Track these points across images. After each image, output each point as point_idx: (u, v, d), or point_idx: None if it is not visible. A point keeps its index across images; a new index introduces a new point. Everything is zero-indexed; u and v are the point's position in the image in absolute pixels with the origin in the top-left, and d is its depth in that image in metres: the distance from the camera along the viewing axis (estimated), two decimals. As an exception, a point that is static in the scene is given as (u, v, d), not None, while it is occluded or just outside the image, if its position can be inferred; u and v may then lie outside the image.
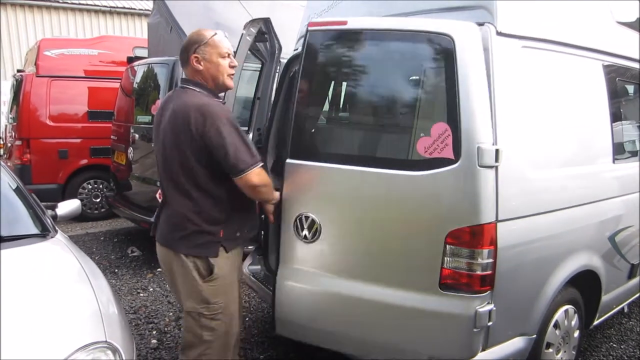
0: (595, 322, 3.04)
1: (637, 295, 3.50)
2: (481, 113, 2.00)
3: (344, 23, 2.16)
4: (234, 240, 2.17)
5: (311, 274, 2.35)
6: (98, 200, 6.47)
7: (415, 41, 2.12)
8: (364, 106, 2.38)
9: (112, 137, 5.63)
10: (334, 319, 2.35)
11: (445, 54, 2.00)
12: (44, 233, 2.63)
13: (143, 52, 6.02)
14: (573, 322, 2.77)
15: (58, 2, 11.69)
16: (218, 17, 4.92)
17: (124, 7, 12.65)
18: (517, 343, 2.40)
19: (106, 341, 1.88)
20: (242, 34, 2.93)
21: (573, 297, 2.72)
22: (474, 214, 2.04)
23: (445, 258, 2.05)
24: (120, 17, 12.63)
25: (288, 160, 2.25)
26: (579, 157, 2.67)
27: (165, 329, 3.50)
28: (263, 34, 2.97)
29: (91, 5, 12.17)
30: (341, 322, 2.33)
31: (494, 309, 2.13)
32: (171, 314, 3.74)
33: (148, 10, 12.79)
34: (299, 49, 2.83)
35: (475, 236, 2.05)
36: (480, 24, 2.12)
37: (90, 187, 6.49)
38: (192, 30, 4.25)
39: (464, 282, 2.07)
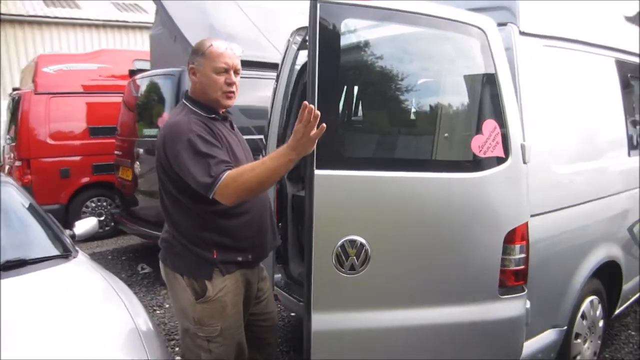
0: (617, 311, 3.09)
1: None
2: (516, 110, 2.03)
3: None
4: (236, 263, 1.99)
5: (362, 317, 1.93)
6: (102, 218, 6.39)
7: (448, 30, 1.99)
8: (401, 103, 2.17)
9: (116, 152, 5.58)
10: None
11: (482, 47, 1.97)
12: (66, 254, 2.60)
13: (144, 65, 5.99)
14: (598, 312, 2.82)
15: (49, 17, 11.61)
16: (220, 24, 4.92)
17: (117, 20, 12.56)
18: (550, 335, 2.45)
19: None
20: (289, 41, 2.86)
21: (597, 287, 2.78)
22: (526, 211, 2.07)
23: (504, 260, 2.03)
24: (114, 31, 12.54)
25: (317, 172, 1.76)
26: (598, 151, 2.74)
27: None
28: (305, 41, 2.83)
29: (84, 19, 12.07)
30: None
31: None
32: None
33: (142, 22, 12.74)
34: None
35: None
36: (503, 24, 2.17)
37: (93, 205, 6.41)
38: (196, 39, 4.18)
39: (508, 279, 2.07)
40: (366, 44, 1.98)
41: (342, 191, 1.85)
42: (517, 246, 2.09)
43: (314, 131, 1.67)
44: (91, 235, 3.14)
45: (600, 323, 2.87)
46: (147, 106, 5.14)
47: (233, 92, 1.97)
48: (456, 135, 2.12)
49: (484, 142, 1.97)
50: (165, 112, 4.66)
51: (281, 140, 2.95)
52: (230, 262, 1.98)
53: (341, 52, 1.85)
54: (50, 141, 6.13)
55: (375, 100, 2.10)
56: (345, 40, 1.86)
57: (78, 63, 6.51)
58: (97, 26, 12.35)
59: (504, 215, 2.04)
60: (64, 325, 1.96)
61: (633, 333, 3.47)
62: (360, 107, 2.52)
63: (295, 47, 2.81)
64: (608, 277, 2.84)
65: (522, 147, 2.03)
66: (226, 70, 1.93)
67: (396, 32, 1.99)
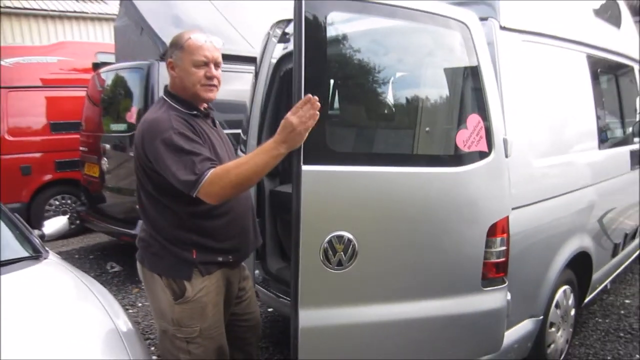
0: (587, 300, 3.20)
1: (617, 272, 3.72)
2: (498, 104, 2.06)
3: None
4: (216, 264, 1.94)
5: (349, 312, 1.92)
6: (67, 216, 6.15)
7: (433, 24, 1.98)
8: (388, 97, 2.17)
9: (81, 148, 5.37)
10: (379, 357, 2.02)
11: (466, 42, 1.97)
12: (37, 255, 2.49)
13: (106, 58, 5.79)
14: (570, 301, 2.91)
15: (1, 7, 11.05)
16: (188, 17, 4.81)
17: (74, 11, 11.99)
18: (527, 325, 2.52)
19: (132, 362, 1.82)
20: (268, 34, 2.79)
21: (570, 277, 2.86)
22: (507, 204, 2.10)
23: (485, 252, 2.05)
24: (71, 22, 12.01)
25: (304, 167, 1.72)
26: (572, 144, 2.81)
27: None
28: (285, 34, 2.80)
29: (39, 10, 11.50)
30: (389, 356, 2.03)
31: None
32: (166, 327, 3.63)
33: (102, 13, 12.29)
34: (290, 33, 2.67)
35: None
36: (484, 19, 2.19)
37: (57, 203, 6.16)
38: (164, 31, 4.01)
39: (490, 271, 2.10)
40: (353, 37, 1.95)
41: (329, 186, 1.81)
42: (498, 239, 2.12)
43: (312, 122, 1.66)
44: (61, 234, 3.02)
45: (572, 312, 2.96)
46: (114, 101, 4.97)
47: (214, 86, 1.90)
48: (443, 129, 2.13)
49: (469, 137, 1.99)
50: (134, 107, 4.52)
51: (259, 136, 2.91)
52: (210, 263, 1.93)
53: (327, 45, 1.82)
54: (8, 137, 5.83)
55: (361, 94, 2.08)
56: (331, 34, 1.83)
57: (36, 56, 6.19)
58: (52, 17, 11.76)
59: (487, 209, 2.07)
60: (40, 329, 1.86)
61: (600, 320, 3.60)
62: (346, 102, 2.49)
63: (275, 40, 2.75)
64: (579, 267, 2.93)
65: (505, 141, 2.06)
66: (206, 64, 1.86)
67: (381, 26, 1.98)
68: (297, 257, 1.81)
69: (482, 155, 2.02)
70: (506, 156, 2.06)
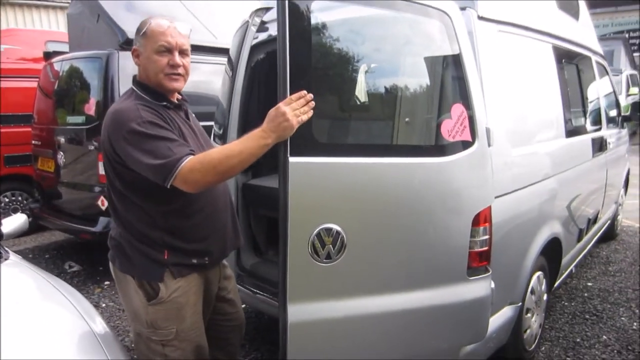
0: (556, 284, 3.30)
1: (581, 255, 3.86)
2: (480, 93, 2.06)
3: None
4: (189, 266, 1.84)
5: (338, 305, 1.88)
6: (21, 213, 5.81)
7: (417, 13, 1.95)
8: (374, 87, 2.14)
9: (34, 142, 5.05)
10: (368, 349, 2.00)
11: (448, 32, 1.96)
12: (-4, 256, 2.32)
13: (57, 47, 5.48)
14: (543, 287, 2.98)
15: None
16: (142, 2, 4.59)
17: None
18: (507, 312, 2.55)
19: (113, 366, 1.71)
20: (247, 22, 2.67)
21: (542, 263, 2.93)
22: (491, 194, 2.11)
23: (471, 242, 2.05)
24: (14, 9, 11.28)
25: (292, 159, 1.68)
26: (544, 133, 2.87)
27: (132, 346, 3.24)
28: (264, 23, 2.69)
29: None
30: (378, 348, 2.02)
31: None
32: (134, 327, 3.48)
33: (52, 0, 11.57)
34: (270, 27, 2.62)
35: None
36: (462, 8, 2.17)
37: (7, 200, 5.78)
38: (123, 19, 3.83)
39: (473, 260, 2.10)
40: (338, 25, 1.89)
41: (317, 178, 1.77)
42: (481, 228, 2.13)
43: (303, 116, 1.62)
44: (20, 233, 2.82)
45: (545, 297, 3.04)
46: (69, 92, 4.69)
47: (179, 75, 1.79)
48: (429, 119, 2.11)
49: (453, 127, 1.98)
50: (92, 98, 4.28)
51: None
52: (183, 265, 1.83)
53: (312, 34, 1.75)
54: (-50, 130, 5.44)
55: (346, 84, 2.02)
56: (315, 22, 1.77)
57: (-19, 43, 5.81)
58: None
59: (472, 199, 2.07)
60: (11, 335, 1.68)
61: (566, 304, 3.73)
62: (331, 92, 2.45)
63: (254, 28, 2.65)
64: (550, 252, 3.00)
65: (487, 130, 2.07)
66: (169, 50, 1.75)
67: (365, 14, 1.92)
68: (285, 251, 1.75)
69: (466, 145, 2.02)
70: (489, 145, 2.07)
